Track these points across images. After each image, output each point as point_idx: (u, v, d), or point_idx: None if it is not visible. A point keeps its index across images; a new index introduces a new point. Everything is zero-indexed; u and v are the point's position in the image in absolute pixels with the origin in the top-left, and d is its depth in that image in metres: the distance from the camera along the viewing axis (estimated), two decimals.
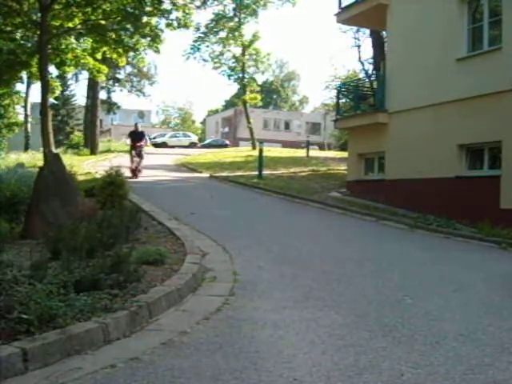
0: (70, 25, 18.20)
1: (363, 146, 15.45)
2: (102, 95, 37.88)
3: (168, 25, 18.88)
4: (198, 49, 32.80)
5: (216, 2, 31.63)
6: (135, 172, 16.62)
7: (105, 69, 20.05)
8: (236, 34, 31.86)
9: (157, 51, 19.25)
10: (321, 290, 5.29)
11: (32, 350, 3.09)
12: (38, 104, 21.43)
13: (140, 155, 17.28)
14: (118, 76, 42.65)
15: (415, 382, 3.10)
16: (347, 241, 8.73)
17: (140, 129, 18.68)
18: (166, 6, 18.61)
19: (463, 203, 11.36)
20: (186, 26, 19.13)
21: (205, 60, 33.18)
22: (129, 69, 42.24)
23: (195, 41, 32.55)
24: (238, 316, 4.31)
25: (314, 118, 59.13)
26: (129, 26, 18.41)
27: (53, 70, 22.72)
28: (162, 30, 19.06)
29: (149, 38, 18.74)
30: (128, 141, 19.09)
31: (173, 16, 18.79)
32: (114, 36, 18.47)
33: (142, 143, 17.85)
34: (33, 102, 35.72)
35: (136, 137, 17.78)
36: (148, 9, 18.13)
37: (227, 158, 25.18)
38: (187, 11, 18.93)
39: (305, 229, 9.70)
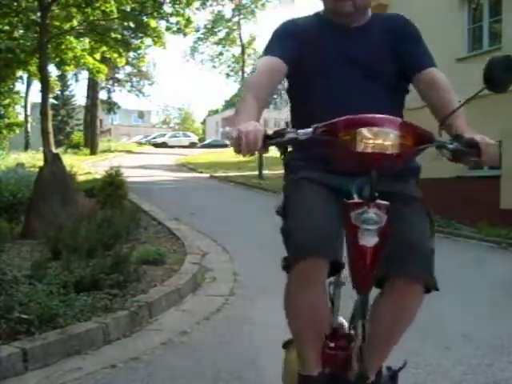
0: (68, 26, 18.18)
1: None
2: (102, 95, 37.94)
3: (168, 28, 18.88)
4: (195, 48, 32.92)
5: (215, 3, 31.78)
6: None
7: (104, 68, 20.01)
8: (235, 34, 31.98)
9: (162, 46, 19.21)
10: None
11: (32, 350, 3.09)
12: (38, 104, 21.41)
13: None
14: (117, 76, 42.69)
15: (415, 382, 3.09)
16: None
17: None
18: (167, 9, 18.64)
19: (463, 203, 11.35)
20: (185, 32, 19.11)
21: (202, 62, 33.32)
22: (129, 69, 42.24)
23: (195, 42, 32.68)
24: (238, 316, 4.30)
25: None
26: (131, 25, 18.39)
27: (52, 70, 22.74)
28: (162, 32, 19.07)
29: (152, 38, 18.74)
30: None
31: (173, 19, 18.80)
32: (115, 35, 18.44)
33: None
34: (33, 102, 35.70)
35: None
36: (148, 9, 18.12)
37: (227, 157, 25.17)
38: (188, 19, 18.89)
39: None
